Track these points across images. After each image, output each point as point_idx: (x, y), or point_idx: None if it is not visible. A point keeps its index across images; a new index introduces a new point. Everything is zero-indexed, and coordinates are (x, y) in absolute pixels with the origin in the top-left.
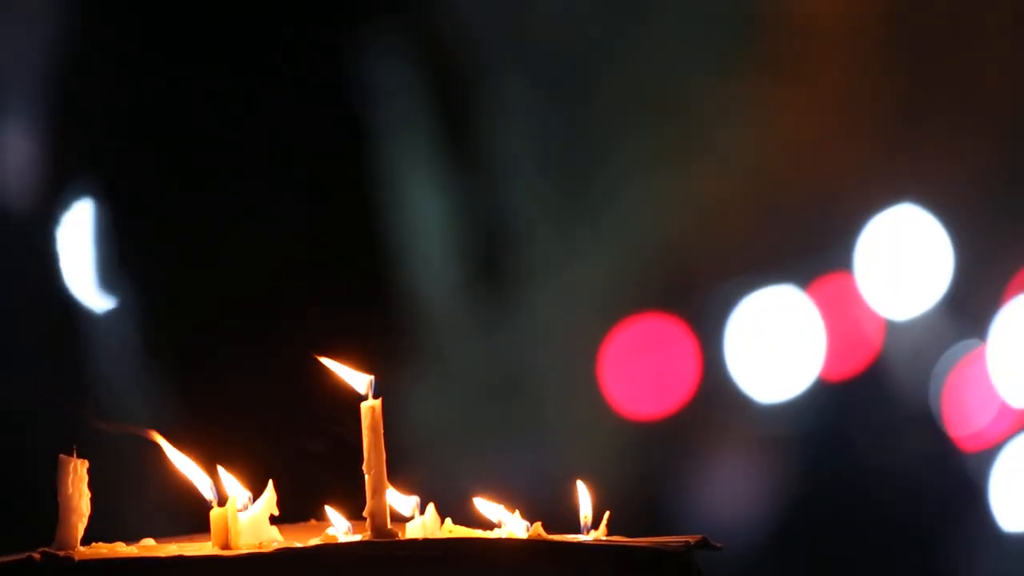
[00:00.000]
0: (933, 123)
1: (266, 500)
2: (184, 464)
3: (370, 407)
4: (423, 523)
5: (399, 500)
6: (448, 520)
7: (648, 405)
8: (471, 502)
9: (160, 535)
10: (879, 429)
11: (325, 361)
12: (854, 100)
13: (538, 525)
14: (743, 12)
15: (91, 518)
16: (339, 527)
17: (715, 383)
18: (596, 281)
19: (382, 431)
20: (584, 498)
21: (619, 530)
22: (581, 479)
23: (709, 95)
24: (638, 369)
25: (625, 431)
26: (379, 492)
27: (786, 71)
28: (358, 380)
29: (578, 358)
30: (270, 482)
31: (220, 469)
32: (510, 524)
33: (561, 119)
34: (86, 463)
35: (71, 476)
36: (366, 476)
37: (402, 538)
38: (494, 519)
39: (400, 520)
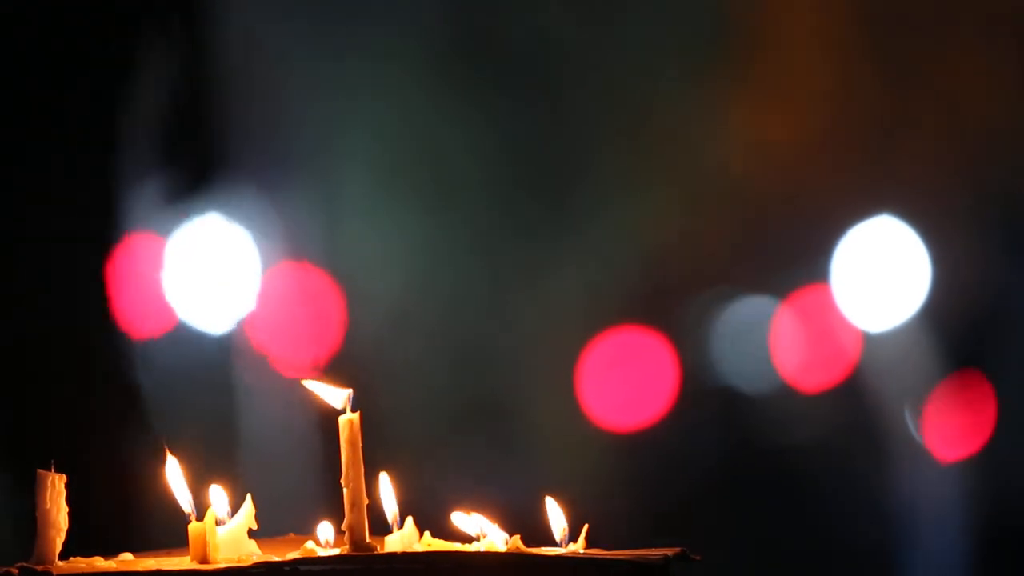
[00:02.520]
0: (912, 135)
1: (244, 514)
2: (176, 479)
3: (348, 421)
4: (402, 536)
5: (332, 393)
6: (427, 534)
7: (627, 416)
8: (449, 516)
9: (139, 549)
10: (857, 440)
11: (306, 383)
12: (833, 112)
13: (516, 538)
14: (722, 25)
15: (69, 532)
16: (325, 537)
17: (693, 394)
18: (574, 293)
19: (360, 445)
20: (555, 514)
21: (598, 542)
22: (550, 495)
23: (687, 109)
24: (617, 380)
25: (604, 442)
26: (358, 506)
27: (765, 85)
28: (336, 395)
29: (558, 370)
30: (248, 496)
31: (215, 487)
32: (492, 535)
33: (539, 132)
34: (64, 478)
35: (49, 491)
36: (344, 490)
37: (381, 551)
38: (475, 531)
39: (379, 533)
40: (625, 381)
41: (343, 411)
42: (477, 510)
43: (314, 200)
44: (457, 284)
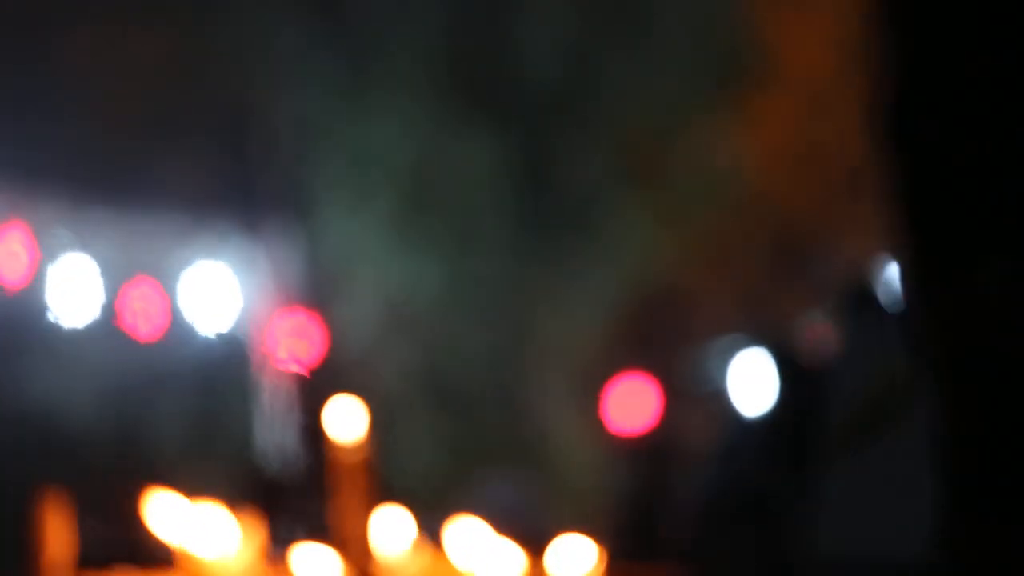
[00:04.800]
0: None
1: (251, 543)
2: (163, 522)
3: (356, 447)
4: (407, 561)
5: (389, 526)
6: (434, 557)
7: (633, 445)
8: (455, 535)
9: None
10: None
11: (330, 405)
12: (835, 159)
13: (538, 560)
14: (733, 65)
15: (70, 551)
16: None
17: (701, 423)
18: (580, 328)
19: (367, 472)
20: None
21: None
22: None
23: (695, 157)
24: (623, 410)
25: (612, 471)
26: (361, 532)
27: (768, 128)
28: (351, 421)
29: (565, 400)
30: (255, 524)
31: (218, 514)
32: (497, 551)
33: (550, 169)
34: (64, 497)
35: (49, 511)
36: (348, 512)
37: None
38: (484, 549)
39: (384, 553)
40: (630, 411)
41: (355, 440)
42: (484, 528)
43: (322, 241)
44: (466, 317)
